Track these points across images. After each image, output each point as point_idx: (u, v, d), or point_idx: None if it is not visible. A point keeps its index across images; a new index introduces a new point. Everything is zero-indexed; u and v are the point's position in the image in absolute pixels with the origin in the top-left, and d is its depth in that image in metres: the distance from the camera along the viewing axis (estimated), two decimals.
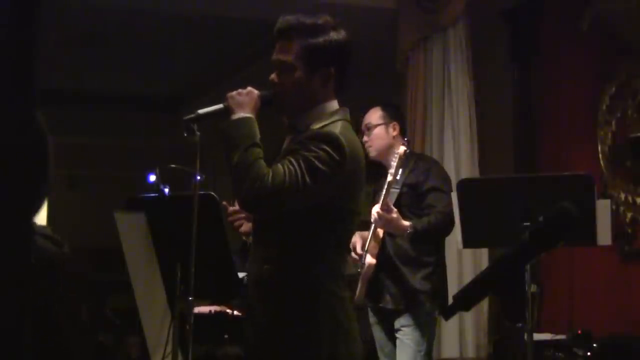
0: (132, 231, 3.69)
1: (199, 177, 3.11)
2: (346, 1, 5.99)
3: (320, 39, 2.53)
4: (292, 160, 2.40)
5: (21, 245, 0.99)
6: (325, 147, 2.41)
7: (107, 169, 10.55)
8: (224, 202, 2.73)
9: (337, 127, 2.48)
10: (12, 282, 0.98)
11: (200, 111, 2.60)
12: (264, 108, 2.56)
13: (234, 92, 2.53)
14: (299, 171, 2.37)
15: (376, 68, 6.88)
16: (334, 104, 2.59)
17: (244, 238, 2.77)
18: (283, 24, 2.58)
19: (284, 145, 2.61)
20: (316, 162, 2.39)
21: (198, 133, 2.67)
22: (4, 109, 0.98)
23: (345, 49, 2.58)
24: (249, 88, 2.55)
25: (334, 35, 2.56)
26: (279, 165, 2.40)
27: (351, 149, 2.47)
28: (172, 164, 4.08)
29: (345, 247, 2.59)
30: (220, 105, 2.56)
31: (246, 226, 2.76)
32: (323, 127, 2.49)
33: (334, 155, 2.41)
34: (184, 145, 2.71)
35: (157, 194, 3.97)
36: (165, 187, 3.97)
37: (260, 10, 5.90)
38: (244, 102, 2.51)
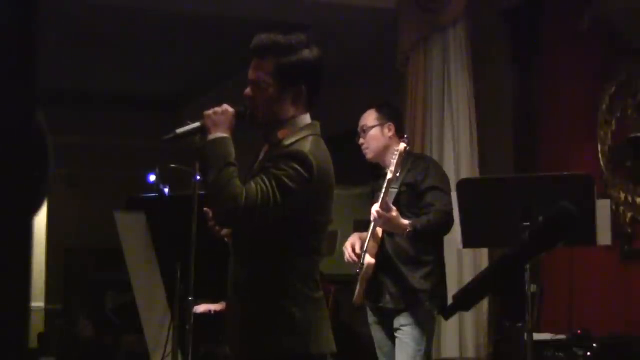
0: (132, 231, 3.70)
1: (199, 177, 3.12)
2: (346, 1, 6.00)
3: (293, 58, 2.68)
4: (265, 178, 2.56)
5: (21, 245, 0.99)
6: (294, 165, 2.57)
7: (107, 169, 10.55)
8: (205, 209, 2.81)
9: (307, 144, 2.64)
10: (12, 282, 0.98)
11: (178, 131, 2.72)
12: (241, 122, 2.70)
13: (210, 111, 2.67)
14: (270, 189, 2.53)
15: (376, 68, 6.88)
16: (306, 119, 2.75)
17: (226, 240, 2.86)
18: (257, 42, 2.72)
19: (261, 156, 2.79)
20: (286, 180, 2.55)
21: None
22: (4, 109, 0.98)
23: (317, 67, 2.74)
24: (225, 106, 2.69)
25: (306, 54, 2.71)
26: (252, 184, 2.55)
27: (320, 164, 2.62)
28: (172, 164, 4.09)
29: (316, 252, 2.73)
30: (197, 124, 2.69)
31: (227, 230, 2.88)
32: (294, 143, 2.65)
33: (303, 173, 2.57)
34: (184, 145, 2.75)
35: (157, 194, 3.97)
36: (165, 187, 3.97)
37: (260, 10, 5.90)
38: (220, 121, 2.65)
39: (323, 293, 2.75)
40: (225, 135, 2.63)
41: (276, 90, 2.68)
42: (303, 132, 2.69)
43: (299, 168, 2.57)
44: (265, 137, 2.78)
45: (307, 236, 2.68)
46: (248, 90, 2.73)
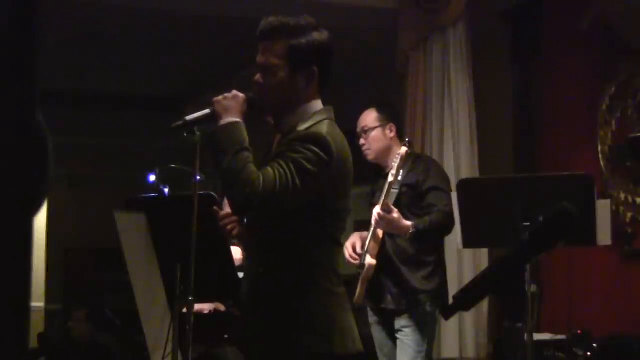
0: (132, 231, 3.69)
1: (199, 177, 3.12)
2: (346, 1, 6.00)
3: (303, 40, 2.58)
4: (282, 162, 2.43)
5: (21, 245, 0.99)
6: (313, 147, 2.45)
7: (107, 169, 10.55)
8: (215, 208, 2.74)
9: (324, 127, 2.53)
10: (12, 282, 0.98)
11: (188, 117, 2.62)
12: (250, 110, 2.59)
13: (220, 97, 2.56)
14: (288, 173, 2.41)
15: (376, 68, 6.88)
16: (318, 104, 2.64)
17: (236, 241, 2.78)
18: (266, 25, 2.62)
19: (274, 146, 2.65)
20: (305, 163, 2.43)
21: (198, 133, 2.69)
22: (4, 109, 0.98)
23: (327, 49, 2.64)
24: (234, 92, 2.57)
25: (316, 36, 2.60)
26: (269, 169, 2.43)
27: (338, 148, 2.51)
28: (172, 164, 4.09)
29: (337, 243, 2.62)
30: (207, 111, 2.58)
31: (238, 230, 2.78)
32: (309, 127, 2.53)
33: (322, 155, 2.45)
34: (183, 145, 2.71)
35: (157, 194, 3.97)
36: (165, 187, 3.97)
37: (260, 10, 5.89)
38: (231, 106, 2.53)
39: (344, 288, 2.60)
40: (237, 119, 2.51)
41: (287, 74, 2.56)
42: (317, 117, 2.57)
43: (317, 150, 2.44)
44: (277, 125, 2.65)
45: (326, 224, 2.54)
46: (258, 76, 2.60)
